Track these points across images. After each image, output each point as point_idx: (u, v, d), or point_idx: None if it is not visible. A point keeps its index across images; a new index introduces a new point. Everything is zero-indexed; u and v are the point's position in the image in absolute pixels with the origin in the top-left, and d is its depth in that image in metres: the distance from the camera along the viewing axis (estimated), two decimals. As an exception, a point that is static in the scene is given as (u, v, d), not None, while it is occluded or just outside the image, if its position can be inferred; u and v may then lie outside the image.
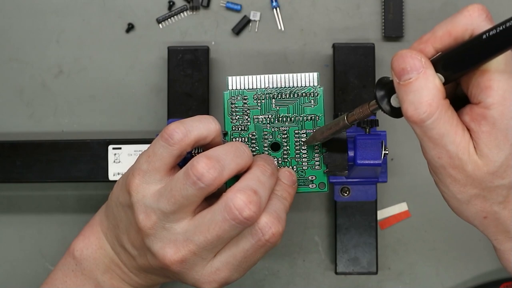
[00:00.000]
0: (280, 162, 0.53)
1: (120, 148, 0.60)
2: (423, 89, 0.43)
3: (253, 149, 0.53)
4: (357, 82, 0.62)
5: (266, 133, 0.53)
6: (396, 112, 0.46)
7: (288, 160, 0.53)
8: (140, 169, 0.50)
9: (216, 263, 0.50)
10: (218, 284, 0.50)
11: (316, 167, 0.53)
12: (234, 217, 0.47)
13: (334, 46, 0.62)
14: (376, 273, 0.62)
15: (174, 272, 0.50)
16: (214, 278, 0.50)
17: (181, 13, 0.66)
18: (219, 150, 0.49)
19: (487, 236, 0.49)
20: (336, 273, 0.62)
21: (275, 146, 0.53)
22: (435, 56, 0.45)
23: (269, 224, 0.48)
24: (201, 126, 0.49)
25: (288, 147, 0.53)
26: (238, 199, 0.47)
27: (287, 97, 0.53)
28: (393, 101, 0.46)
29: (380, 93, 0.46)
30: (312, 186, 0.54)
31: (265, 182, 0.49)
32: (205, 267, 0.50)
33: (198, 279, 0.50)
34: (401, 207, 0.65)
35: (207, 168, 0.47)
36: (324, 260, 0.65)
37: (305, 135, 0.53)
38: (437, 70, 0.44)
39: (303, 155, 0.53)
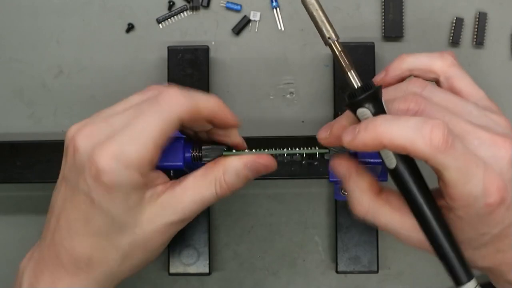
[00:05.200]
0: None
1: (120, 148, 0.60)
2: (353, 193, 0.50)
3: None
4: (357, 81, 0.62)
5: None
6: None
7: None
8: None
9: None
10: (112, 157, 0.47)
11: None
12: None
13: (334, 45, 0.62)
14: (377, 271, 0.62)
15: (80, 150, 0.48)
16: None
17: (181, 13, 0.66)
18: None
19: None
20: (337, 272, 0.62)
21: None
22: None
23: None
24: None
25: None
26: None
27: None
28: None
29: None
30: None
31: None
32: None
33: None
34: (401, 207, 0.65)
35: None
36: (324, 260, 0.65)
37: None
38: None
39: None
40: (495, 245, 0.48)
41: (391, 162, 0.46)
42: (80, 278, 0.49)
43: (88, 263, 0.49)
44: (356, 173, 0.50)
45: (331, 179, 0.57)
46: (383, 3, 0.65)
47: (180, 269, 0.61)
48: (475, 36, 0.65)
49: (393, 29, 0.65)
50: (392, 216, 0.49)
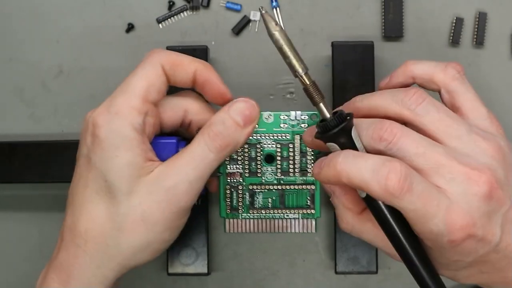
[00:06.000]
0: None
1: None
2: (337, 209, 0.51)
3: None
4: (356, 80, 0.61)
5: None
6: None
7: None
8: None
9: None
10: None
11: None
12: None
13: (333, 44, 0.62)
14: (376, 272, 0.62)
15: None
16: None
17: (181, 13, 0.66)
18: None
19: None
20: (336, 272, 0.62)
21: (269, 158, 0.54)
22: None
23: None
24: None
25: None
26: None
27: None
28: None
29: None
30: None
31: None
32: None
33: None
34: (401, 207, 0.65)
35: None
36: (324, 260, 0.65)
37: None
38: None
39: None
40: (477, 267, 0.47)
41: (362, 192, 0.47)
42: (79, 261, 0.49)
43: (85, 239, 0.49)
44: (339, 190, 0.50)
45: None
46: (383, 3, 0.65)
47: (179, 269, 0.62)
48: (475, 36, 0.65)
49: (393, 29, 0.64)
50: (374, 233, 0.50)
